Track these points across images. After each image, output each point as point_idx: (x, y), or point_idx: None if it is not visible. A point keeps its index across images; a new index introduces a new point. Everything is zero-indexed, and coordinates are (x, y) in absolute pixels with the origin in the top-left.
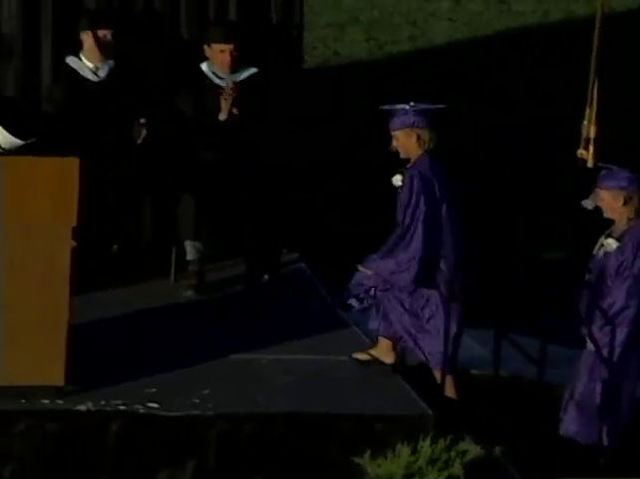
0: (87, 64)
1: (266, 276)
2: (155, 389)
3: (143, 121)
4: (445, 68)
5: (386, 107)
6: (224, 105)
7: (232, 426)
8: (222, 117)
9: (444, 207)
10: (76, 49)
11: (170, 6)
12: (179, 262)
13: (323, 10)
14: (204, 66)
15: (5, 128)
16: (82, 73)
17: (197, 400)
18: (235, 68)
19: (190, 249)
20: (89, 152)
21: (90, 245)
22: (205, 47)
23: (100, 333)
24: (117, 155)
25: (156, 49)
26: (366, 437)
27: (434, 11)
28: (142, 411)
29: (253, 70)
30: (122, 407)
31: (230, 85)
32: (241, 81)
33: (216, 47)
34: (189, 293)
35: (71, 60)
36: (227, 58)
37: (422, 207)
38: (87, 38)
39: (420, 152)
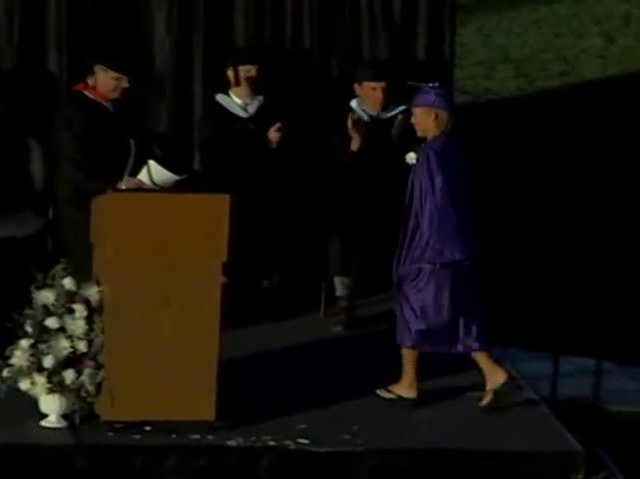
0: (236, 100)
1: None
2: (305, 425)
3: (278, 125)
4: (596, 103)
5: (411, 83)
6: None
7: (382, 462)
8: (354, 146)
9: (457, 186)
10: (226, 86)
11: (320, 42)
12: (329, 298)
13: (474, 48)
14: (354, 103)
15: (159, 164)
16: (231, 109)
17: (347, 436)
18: (386, 105)
19: (340, 286)
20: (238, 187)
21: (240, 281)
22: (356, 85)
23: (250, 369)
24: (266, 190)
25: (306, 85)
26: (516, 474)
27: (586, 48)
28: (292, 447)
29: (403, 107)
30: (272, 443)
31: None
32: (392, 117)
33: (367, 85)
34: (339, 329)
35: (220, 97)
36: (379, 96)
37: (438, 185)
38: (233, 75)
39: (436, 132)
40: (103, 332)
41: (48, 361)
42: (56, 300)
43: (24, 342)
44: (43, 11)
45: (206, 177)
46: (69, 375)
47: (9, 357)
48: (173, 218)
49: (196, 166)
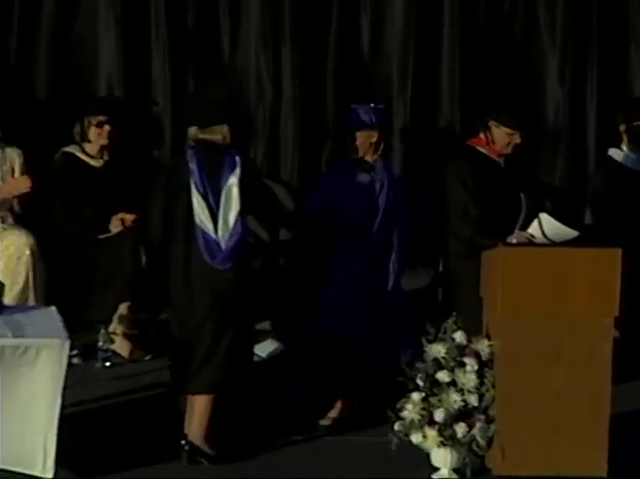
0: (629, 154)
1: None
2: None
3: None
4: None
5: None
6: None
7: None
8: None
9: None
10: (619, 140)
11: None
12: None
13: None
14: None
15: (551, 217)
16: (624, 163)
17: None
18: None
19: None
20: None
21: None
22: None
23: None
24: None
25: None
26: None
27: None
28: None
29: None
30: None
31: None
32: None
33: None
34: None
35: (613, 151)
36: None
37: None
38: (623, 130)
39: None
40: (493, 386)
41: (439, 415)
42: (447, 354)
43: (415, 396)
44: (436, 65)
45: (597, 230)
46: (460, 429)
47: (400, 410)
48: (564, 272)
49: (587, 219)
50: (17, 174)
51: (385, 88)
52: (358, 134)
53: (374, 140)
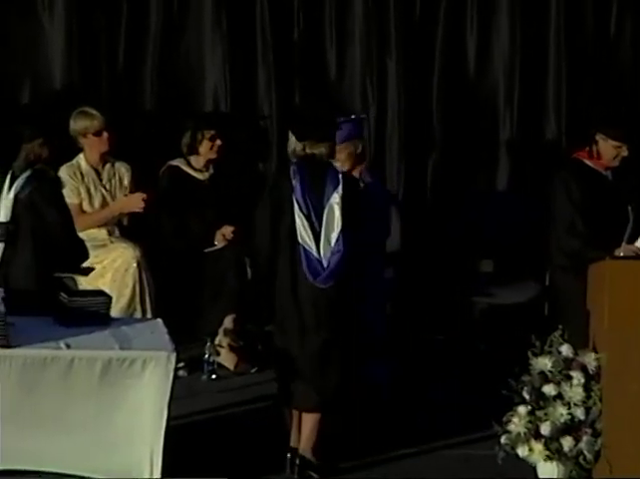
0: None
1: None
2: None
3: None
4: None
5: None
6: None
7: None
8: None
9: None
10: None
11: None
12: None
13: None
14: None
15: None
16: None
17: None
18: None
19: None
20: None
21: None
22: None
23: None
24: None
25: None
26: None
27: None
28: None
29: None
30: None
31: None
32: None
33: None
34: None
35: None
36: None
37: None
38: None
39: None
40: (600, 400)
41: (545, 428)
42: (553, 367)
43: (522, 409)
44: (543, 78)
45: None
46: (567, 443)
47: (507, 423)
48: None
49: None
50: (127, 189)
51: (491, 101)
52: (344, 145)
53: (359, 150)
